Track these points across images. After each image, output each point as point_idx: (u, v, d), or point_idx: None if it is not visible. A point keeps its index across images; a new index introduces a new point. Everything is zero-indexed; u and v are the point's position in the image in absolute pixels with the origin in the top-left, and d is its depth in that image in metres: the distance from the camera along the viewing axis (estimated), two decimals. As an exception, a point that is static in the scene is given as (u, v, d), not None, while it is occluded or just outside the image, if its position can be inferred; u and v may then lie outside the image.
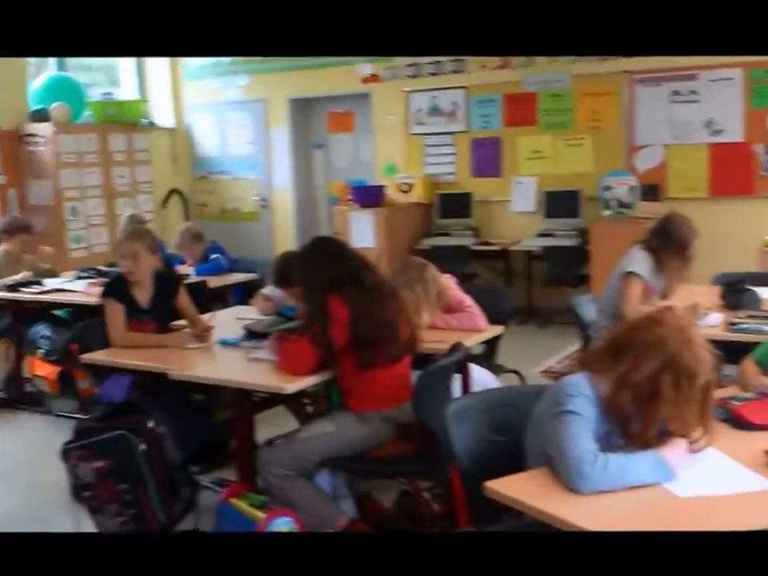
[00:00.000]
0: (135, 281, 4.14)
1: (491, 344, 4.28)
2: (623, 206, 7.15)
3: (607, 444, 2.29)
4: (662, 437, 2.27)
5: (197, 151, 9.58)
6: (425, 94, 8.27)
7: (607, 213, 7.23)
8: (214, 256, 6.03)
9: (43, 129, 7.75)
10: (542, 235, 7.50)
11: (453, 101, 8.14)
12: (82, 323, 4.44)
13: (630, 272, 4.13)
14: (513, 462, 2.46)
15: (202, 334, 4.01)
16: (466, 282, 4.53)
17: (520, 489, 2.22)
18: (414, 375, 3.43)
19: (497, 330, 4.09)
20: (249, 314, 4.43)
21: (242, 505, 3.25)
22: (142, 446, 3.36)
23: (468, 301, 4.04)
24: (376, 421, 3.36)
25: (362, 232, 7.66)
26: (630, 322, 2.58)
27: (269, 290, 4.40)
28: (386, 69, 8.41)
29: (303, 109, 9.08)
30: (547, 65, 7.64)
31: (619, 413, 2.29)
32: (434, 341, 3.64)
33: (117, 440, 3.36)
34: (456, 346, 3.53)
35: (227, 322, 4.32)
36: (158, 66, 9.36)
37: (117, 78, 9.34)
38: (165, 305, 4.21)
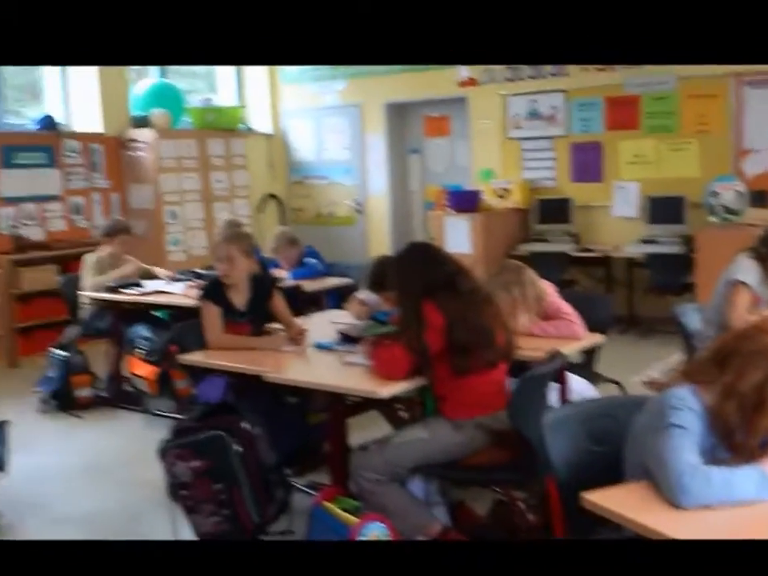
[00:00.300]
0: (231, 284, 4.19)
1: (590, 353, 4.17)
2: (730, 212, 6.90)
3: (712, 458, 2.21)
4: (766, 448, 2.19)
5: (293, 156, 9.68)
6: (523, 97, 8.16)
7: (713, 219, 6.98)
8: (309, 260, 6.05)
9: (145, 135, 7.95)
10: (644, 242, 7.30)
11: (552, 104, 8.00)
12: (180, 325, 4.50)
13: (738, 281, 3.97)
14: (611, 473, 2.39)
15: (297, 338, 4.03)
16: (564, 288, 4.41)
17: (619, 501, 2.15)
18: (510, 383, 3.36)
19: (596, 338, 3.97)
20: (343, 318, 4.42)
21: (335, 509, 3.23)
22: (237, 447, 3.38)
23: (566, 308, 3.93)
24: (470, 428, 3.30)
25: (458, 237, 7.59)
26: (736, 330, 2.51)
27: (363, 294, 4.39)
28: (483, 72, 8.33)
29: (399, 113, 9.07)
30: (651, 66, 7.44)
31: (724, 424, 2.23)
32: (530, 348, 3.56)
33: (213, 440, 3.39)
34: (554, 354, 3.45)
35: (322, 325, 4.33)
36: (256, 73, 9.49)
37: (216, 84, 9.52)
38: (260, 308, 4.24)
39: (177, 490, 3.48)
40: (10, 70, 7.80)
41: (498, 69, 8.23)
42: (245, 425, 3.46)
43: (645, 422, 2.35)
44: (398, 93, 8.83)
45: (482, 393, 3.32)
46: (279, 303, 4.29)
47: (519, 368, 3.41)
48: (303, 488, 3.94)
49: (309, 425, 3.99)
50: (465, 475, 3.39)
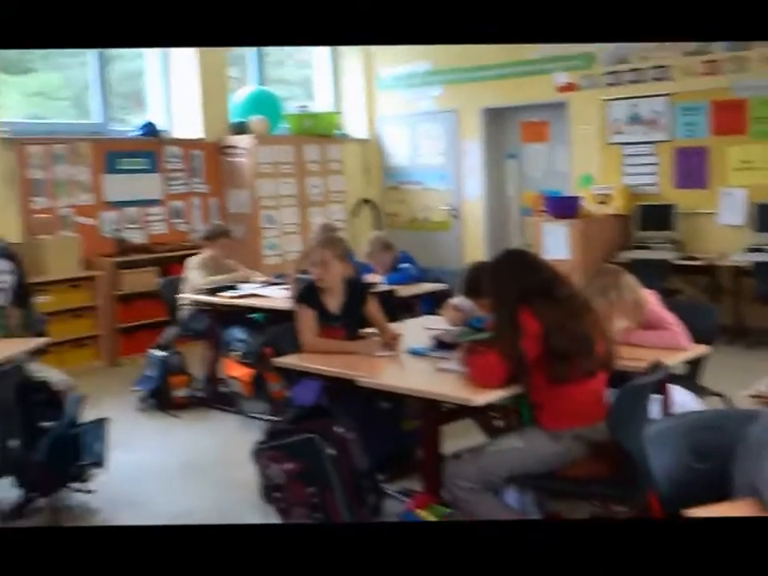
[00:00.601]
0: (326, 288, 4.19)
1: (694, 364, 4.01)
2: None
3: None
4: None
5: (388, 161, 9.69)
6: (624, 102, 7.96)
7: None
8: (403, 265, 6.03)
9: (243, 141, 8.07)
10: (752, 250, 7.02)
11: (654, 109, 7.79)
12: (275, 328, 4.53)
13: None
14: (716, 489, 2.26)
15: (391, 343, 4.01)
16: (667, 297, 4.26)
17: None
18: (610, 393, 3.25)
19: (701, 349, 3.82)
20: (437, 323, 4.37)
21: (427, 516, 3.19)
22: (331, 451, 3.39)
23: (669, 317, 3.80)
24: (568, 439, 3.21)
25: (555, 244, 7.45)
26: None
27: (458, 300, 4.33)
28: (582, 77, 8.17)
29: (496, 119, 8.98)
30: (760, 69, 7.16)
31: None
32: (632, 358, 3.44)
33: (306, 443, 3.40)
34: (656, 365, 3.32)
35: (416, 331, 4.29)
36: (352, 78, 9.55)
37: (312, 91, 9.62)
38: (354, 312, 4.24)
39: (270, 491, 3.51)
40: (116, 78, 8.04)
41: (598, 74, 8.06)
42: (338, 429, 3.47)
43: (759, 438, 2.22)
44: (495, 98, 8.74)
45: (580, 402, 3.23)
46: (373, 308, 4.28)
47: (620, 378, 3.30)
48: (395, 494, 3.90)
49: (402, 431, 3.96)
50: (561, 487, 3.30)
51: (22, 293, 4.76)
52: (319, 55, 9.54)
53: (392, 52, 9.27)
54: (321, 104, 9.44)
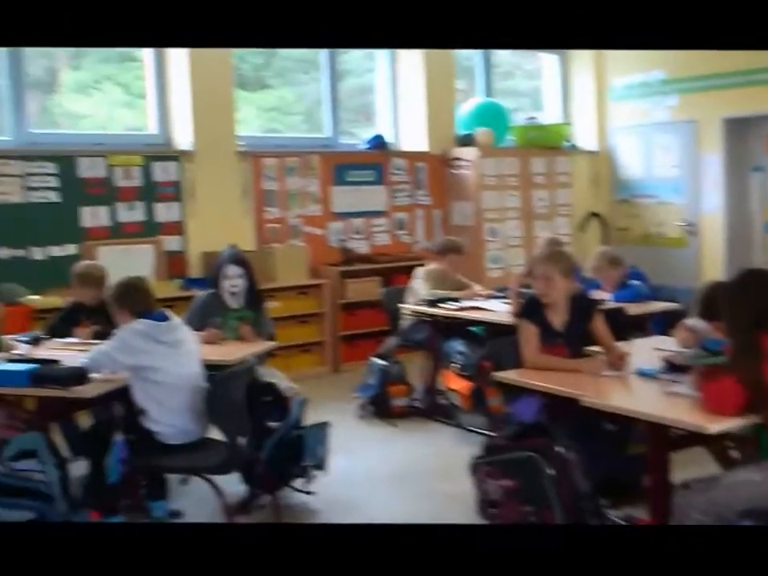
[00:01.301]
0: (549, 303, 4.09)
1: None
2: None
3: None
4: None
5: (619, 174, 9.36)
6: None
7: None
8: (633, 282, 5.77)
9: (468, 153, 8.07)
10: None
11: None
12: (495, 341, 4.48)
13: None
14: None
15: (618, 362, 3.84)
16: None
17: None
18: None
19: None
20: (668, 345, 4.13)
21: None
22: (550, 471, 3.28)
23: None
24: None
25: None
26: None
27: (693, 321, 4.07)
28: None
29: (739, 129, 8.45)
30: None
31: None
32: None
33: (525, 461, 3.34)
34: None
35: (645, 351, 4.08)
36: (582, 89, 9.33)
37: (541, 102, 9.48)
38: (579, 329, 4.11)
39: (486, 507, 3.47)
40: (347, 93, 8.30)
41: None
42: (558, 448, 3.39)
43: None
44: (737, 108, 8.22)
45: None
46: (600, 326, 4.12)
47: None
48: (618, 521, 3.72)
49: (627, 455, 3.77)
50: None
51: (254, 297, 4.98)
52: (549, 65, 9.41)
53: (625, 61, 8.97)
54: (550, 115, 9.29)
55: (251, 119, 7.93)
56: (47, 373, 3.77)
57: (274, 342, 4.97)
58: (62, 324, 4.90)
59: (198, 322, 4.69)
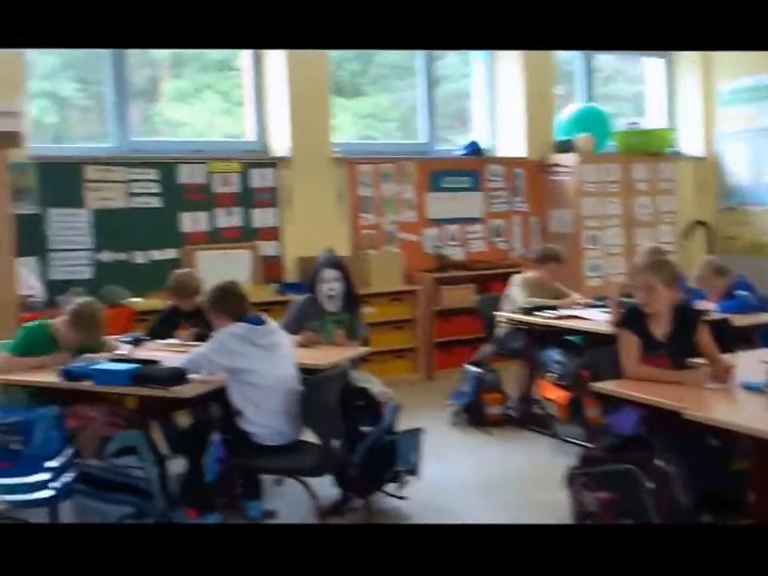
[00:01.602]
0: (651, 313, 4.00)
1: None
2: None
3: None
4: None
5: (726, 181, 9.06)
6: None
7: None
8: (739, 292, 5.57)
9: (567, 159, 7.95)
10: None
11: None
12: (594, 351, 4.40)
13: None
14: None
15: (722, 375, 3.72)
16: None
17: None
18: None
19: None
20: (776, 357, 3.97)
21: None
22: (649, 484, 3.20)
23: None
24: None
25: None
26: None
27: (802, 332, 3.91)
28: None
29: None
30: None
31: None
32: None
33: (623, 474, 3.29)
34: None
35: (751, 364, 3.90)
36: (687, 93, 9.10)
37: (644, 107, 9.28)
38: (682, 340, 4.00)
39: (582, 519, 3.43)
40: (443, 99, 8.28)
41: None
42: (658, 462, 3.31)
43: None
44: None
45: None
46: (704, 337, 3.99)
47: None
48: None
49: (730, 470, 3.63)
50: None
51: (351, 300, 5.01)
52: (653, 69, 9.20)
53: (732, 65, 8.69)
54: (653, 120, 9.08)
55: (347, 126, 7.98)
56: (148, 373, 3.85)
57: (367, 348, 4.99)
58: (162, 326, 5.03)
59: (295, 326, 4.76)
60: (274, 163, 7.07)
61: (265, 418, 3.86)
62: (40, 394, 4.10)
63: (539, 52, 7.95)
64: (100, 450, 3.93)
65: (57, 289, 6.04)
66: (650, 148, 8.27)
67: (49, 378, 4.05)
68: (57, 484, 3.82)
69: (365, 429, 4.28)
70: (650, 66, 9.25)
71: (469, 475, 4.87)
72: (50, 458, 3.81)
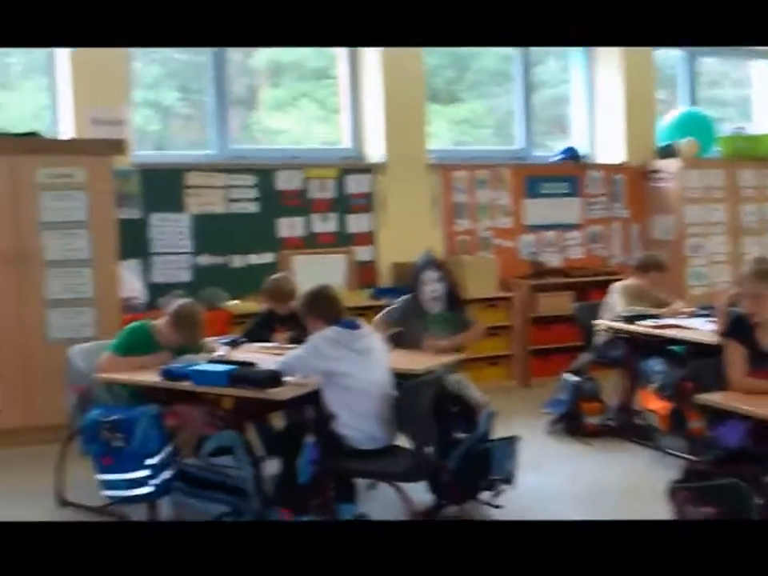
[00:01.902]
0: (759, 323, 3.88)
1: None
2: None
3: None
4: None
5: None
6: None
7: None
8: None
9: (670, 164, 7.75)
10: None
11: None
12: (698, 362, 4.27)
13: None
14: None
15: None
16: None
17: None
18: None
19: None
20: None
21: None
22: (758, 500, 3.06)
23: None
24: None
25: None
26: None
27: None
28: None
29: None
30: None
31: None
32: None
33: (730, 488, 3.17)
34: None
35: None
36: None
37: (749, 112, 8.98)
38: (791, 351, 3.82)
39: None
40: (540, 104, 8.16)
41: None
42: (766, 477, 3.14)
43: None
44: None
45: None
46: (815, 347, 3.81)
47: None
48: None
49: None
50: None
51: (454, 300, 5.01)
52: (759, 73, 8.89)
53: None
54: (760, 125, 8.76)
55: (442, 132, 7.96)
56: (245, 374, 3.89)
57: (462, 354, 4.96)
58: (258, 329, 5.10)
59: (398, 327, 4.88)
60: (369, 169, 7.10)
61: (358, 421, 3.86)
62: (141, 393, 4.20)
63: (640, 56, 7.80)
64: (197, 448, 3.99)
65: (158, 291, 6.21)
66: (756, 153, 7.98)
67: (150, 377, 4.14)
68: (156, 481, 3.90)
69: (459, 435, 4.23)
70: (756, 69, 8.95)
71: (565, 485, 4.77)
72: (150, 456, 3.89)
